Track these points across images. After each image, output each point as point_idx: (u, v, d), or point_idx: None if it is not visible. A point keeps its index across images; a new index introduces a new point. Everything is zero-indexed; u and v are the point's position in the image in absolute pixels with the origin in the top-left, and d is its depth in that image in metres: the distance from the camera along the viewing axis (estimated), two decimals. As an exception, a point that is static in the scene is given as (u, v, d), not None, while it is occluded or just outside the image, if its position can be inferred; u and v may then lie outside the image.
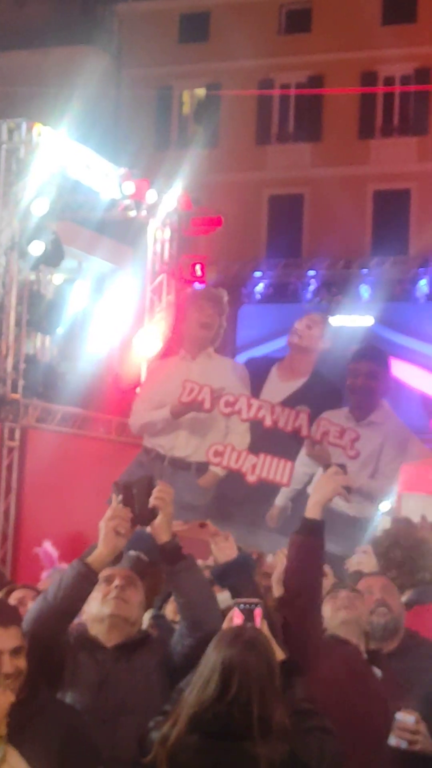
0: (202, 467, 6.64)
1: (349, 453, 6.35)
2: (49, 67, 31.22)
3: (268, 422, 6.42)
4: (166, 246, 17.77)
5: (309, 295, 29.11)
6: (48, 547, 8.41)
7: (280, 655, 4.18)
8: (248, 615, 4.21)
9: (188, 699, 3.82)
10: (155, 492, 4.71)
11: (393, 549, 6.18)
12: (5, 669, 3.95)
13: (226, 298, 7.66)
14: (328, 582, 5.65)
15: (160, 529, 4.74)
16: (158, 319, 15.76)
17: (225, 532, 5.54)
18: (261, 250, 32.24)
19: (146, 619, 5.87)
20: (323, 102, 32.58)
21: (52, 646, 4.45)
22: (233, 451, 6.44)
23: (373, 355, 6.94)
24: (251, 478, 6.38)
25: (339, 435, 6.37)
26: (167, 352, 11.33)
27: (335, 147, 32.07)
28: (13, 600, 5.53)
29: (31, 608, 4.61)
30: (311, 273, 30.12)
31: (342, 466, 5.38)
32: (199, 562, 6.07)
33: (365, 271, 29.86)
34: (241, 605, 4.26)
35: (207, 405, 6.48)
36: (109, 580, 4.79)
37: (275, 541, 6.44)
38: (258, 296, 29.11)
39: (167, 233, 17.74)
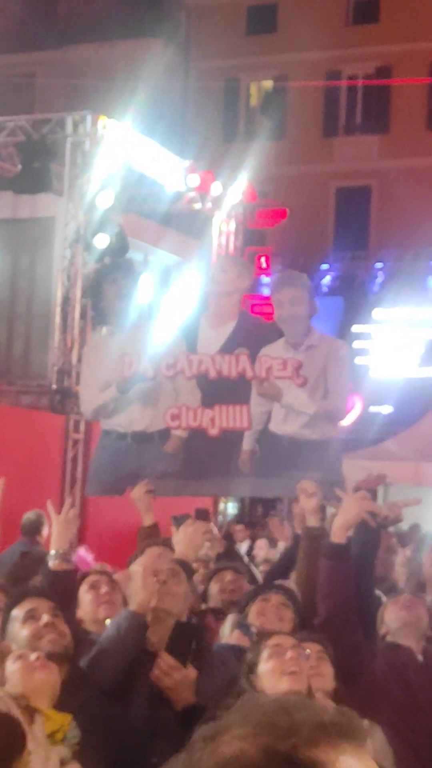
0: (164, 434, 6.85)
1: (296, 381, 6.47)
2: (115, 60, 31.24)
3: (212, 374, 6.55)
4: (231, 238, 17.74)
5: (376, 288, 28.94)
6: (82, 552, 8.47)
7: None
8: None
9: None
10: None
11: None
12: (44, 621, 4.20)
13: (135, 266, 7.96)
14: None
15: None
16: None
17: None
18: (328, 242, 32.07)
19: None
20: (391, 93, 32.30)
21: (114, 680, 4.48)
22: (188, 411, 6.59)
23: (291, 281, 7.02)
24: (213, 431, 6.51)
25: (282, 367, 6.50)
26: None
27: (403, 139, 31.77)
28: (86, 585, 5.55)
29: (89, 655, 4.61)
30: (379, 265, 29.97)
31: (371, 491, 5.45)
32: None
33: (433, 263, 29.62)
34: None
35: (149, 372, 6.62)
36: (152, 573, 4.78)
37: (253, 484, 6.78)
38: (325, 289, 29.03)
39: (232, 225, 17.70)
